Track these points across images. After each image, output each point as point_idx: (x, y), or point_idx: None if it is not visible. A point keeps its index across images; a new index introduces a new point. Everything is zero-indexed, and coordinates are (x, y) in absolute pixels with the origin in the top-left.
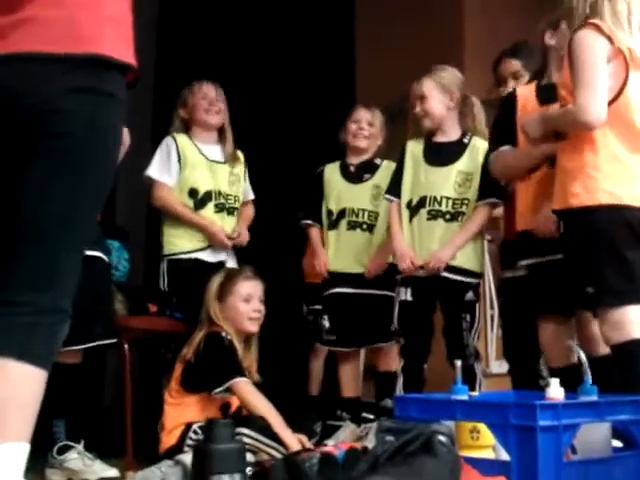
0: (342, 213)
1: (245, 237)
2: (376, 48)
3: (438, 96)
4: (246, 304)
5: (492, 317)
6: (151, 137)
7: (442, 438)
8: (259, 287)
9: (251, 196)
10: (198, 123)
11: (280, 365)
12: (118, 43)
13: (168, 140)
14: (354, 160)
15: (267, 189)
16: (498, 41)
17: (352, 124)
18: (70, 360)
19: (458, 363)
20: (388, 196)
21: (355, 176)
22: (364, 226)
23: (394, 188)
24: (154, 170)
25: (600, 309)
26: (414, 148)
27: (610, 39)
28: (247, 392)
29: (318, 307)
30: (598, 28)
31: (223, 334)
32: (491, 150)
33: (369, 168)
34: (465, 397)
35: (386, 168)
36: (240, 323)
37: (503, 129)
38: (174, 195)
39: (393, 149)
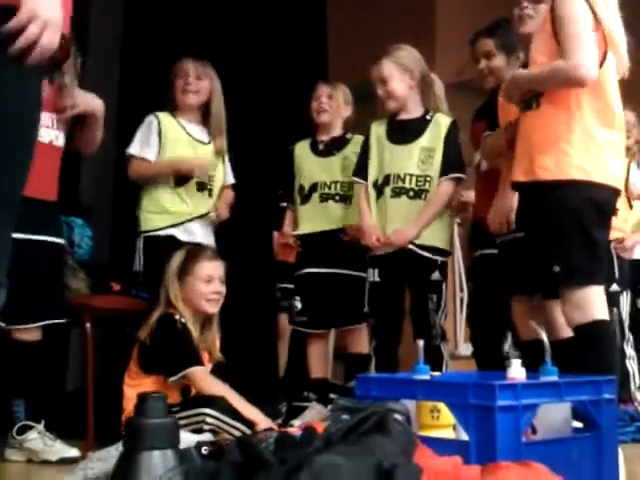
0: (314, 187)
1: (224, 213)
2: (348, 29)
3: (399, 76)
4: (206, 285)
5: (461, 300)
6: (117, 112)
7: (397, 416)
8: (220, 268)
9: (231, 180)
10: (178, 102)
11: (248, 345)
12: None
13: (150, 117)
14: (324, 137)
15: (241, 169)
16: (470, 22)
17: (314, 102)
18: (28, 337)
19: (420, 343)
20: (355, 178)
21: (324, 151)
22: (337, 197)
23: (360, 170)
24: (134, 147)
25: (565, 289)
26: (378, 129)
27: (594, 12)
28: (203, 381)
29: (288, 286)
30: None
31: (177, 317)
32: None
33: (339, 143)
34: (427, 377)
35: (356, 142)
36: (199, 304)
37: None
38: (146, 163)
39: (362, 128)
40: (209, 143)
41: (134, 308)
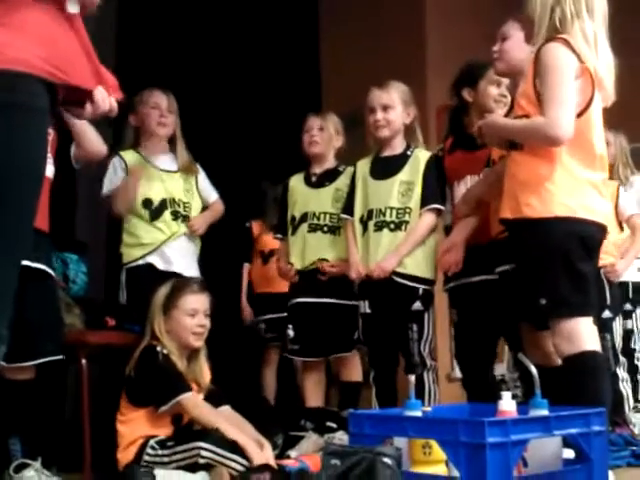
0: (303, 217)
1: (199, 226)
2: (341, 58)
3: (400, 108)
4: (191, 318)
5: (451, 321)
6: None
7: (386, 460)
8: (205, 301)
9: (215, 195)
10: (148, 133)
11: (233, 376)
12: (26, 54)
13: (114, 159)
14: (317, 169)
15: (231, 201)
16: (461, 45)
17: (305, 134)
18: (22, 376)
19: (412, 378)
20: (343, 215)
21: (317, 182)
22: (325, 228)
23: (348, 207)
24: (105, 189)
25: (553, 321)
26: (362, 167)
27: (578, 56)
28: (194, 407)
29: (272, 316)
30: (567, 44)
31: (158, 348)
32: None
33: (331, 175)
34: (418, 413)
35: (348, 174)
36: (184, 337)
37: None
38: None
39: (348, 157)
40: (177, 171)
41: (129, 343)
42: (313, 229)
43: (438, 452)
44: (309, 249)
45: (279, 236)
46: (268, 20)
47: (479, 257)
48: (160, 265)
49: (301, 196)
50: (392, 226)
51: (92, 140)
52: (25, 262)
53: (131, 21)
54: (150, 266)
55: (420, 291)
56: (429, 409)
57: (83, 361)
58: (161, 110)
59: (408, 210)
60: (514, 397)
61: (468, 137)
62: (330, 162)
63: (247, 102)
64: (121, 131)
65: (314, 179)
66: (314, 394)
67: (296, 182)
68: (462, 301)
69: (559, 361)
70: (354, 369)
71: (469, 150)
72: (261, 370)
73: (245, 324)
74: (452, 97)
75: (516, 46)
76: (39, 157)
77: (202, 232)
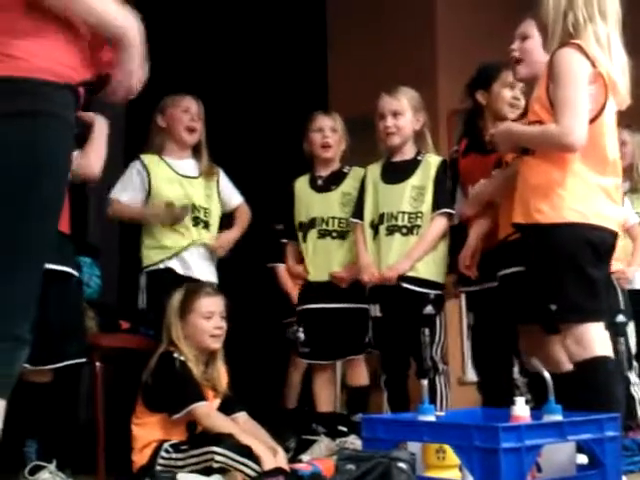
0: (312, 223)
1: (223, 249)
2: (349, 62)
3: (411, 114)
4: (207, 321)
5: (469, 325)
6: (123, 152)
7: (401, 465)
8: (220, 303)
9: (239, 199)
10: (175, 137)
11: (259, 378)
12: (53, 62)
13: (135, 162)
14: (322, 172)
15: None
16: (472, 48)
17: (316, 134)
18: (40, 379)
19: (424, 382)
20: (353, 219)
21: (323, 187)
22: (334, 234)
23: (357, 211)
24: (115, 191)
25: (564, 326)
26: (373, 171)
27: (592, 61)
28: (207, 417)
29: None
30: (581, 49)
31: (175, 355)
32: None
33: (338, 177)
34: (432, 417)
35: (354, 175)
36: (201, 340)
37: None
38: (121, 205)
39: (358, 162)
40: (199, 176)
41: (143, 346)
42: (323, 235)
43: (452, 457)
44: (321, 258)
45: (286, 240)
46: (276, 24)
47: (494, 261)
48: (180, 270)
49: (308, 200)
50: (404, 230)
51: (99, 157)
52: (49, 265)
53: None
54: (170, 270)
55: (431, 295)
56: (442, 413)
57: (97, 364)
58: (191, 115)
59: (420, 214)
60: (527, 402)
61: (482, 140)
62: (336, 164)
63: (254, 105)
64: (137, 132)
65: (320, 182)
66: (325, 398)
67: (302, 185)
68: (479, 305)
69: (564, 367)
70: (361, 373)
71: (483, 153)
72: (288, 371)
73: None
74: (466, 100)
75: (538, 46)
76: (64, 163)
77: (225, 253)
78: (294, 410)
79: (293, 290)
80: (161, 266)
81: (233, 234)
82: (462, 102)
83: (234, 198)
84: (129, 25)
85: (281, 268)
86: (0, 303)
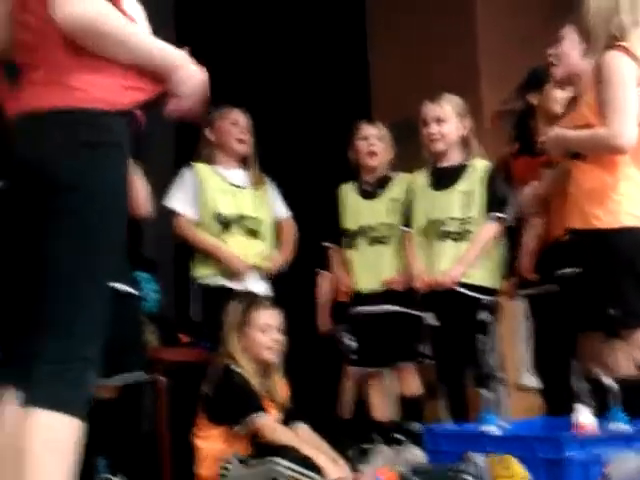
0: (361, 230)
1: (277, 263)
2: (390, 67)
3: (455, 120)
4: (264, 334)
5: (527, 329)
6: (174, 166)
7: (469, 479)
8: (277, 316)
9: (285, 213)
10: (226, 149)
11: (314, 387)
12: (112, 93)
13: (186, 170)
14: (369, 178)
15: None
16: (514, 50)
17: (362, 142)
18: (105, 395)
19: (483, 392)
20: (402, 227)
21: (370, 193)
22: (383, 240)
23: (407, 218)
24: (172, 201)
25: (624, 331)
26: (420, 178)
27: (638, 63)
28: (267, 429)
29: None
30: (628, 52)
31: (235, 368)
32: None
33: (384, 183)
34: (494, 428)
35: (400, 181)
36: (259, 353)
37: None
38: (191, 225)
39: (402, 166)
40: (249, 186)
41: (202, 359)
42: (372, 242)
43: (517, 467)
44: (371, 265)
45: (332, 245)
46: (316, 31)
47: (550, 261)
48: (233, 285)
49: (355, 207)
50: (455, 236)
51: (144, 196)
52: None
53: (186, 40)
54: (223, 285)
55: (485, 301)
56: (504, 424)
57: (160, 377)
58: (241, 127)
59: (470, 220)
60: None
61: (533, 142)
62: (382, 171)
63: (297, 113)
64: (189, 142)
65: (367, 189)
66: (379, 406)
67: (348, 192)
68: (540, 309)
69: (626, 373)
70: (414, 381)
71: (534, 155)
72: (341, 381)
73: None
74: (515, 102)
75: (572, 49)
76: (123, 191)
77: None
78: (349, 419)
79: (327, 301)
80: (215, 281)
81: (285, 255)
82: (505, 103)
83: (281, 211)
84: (174, 57)
85: (323, 277)
86: (67, 326)
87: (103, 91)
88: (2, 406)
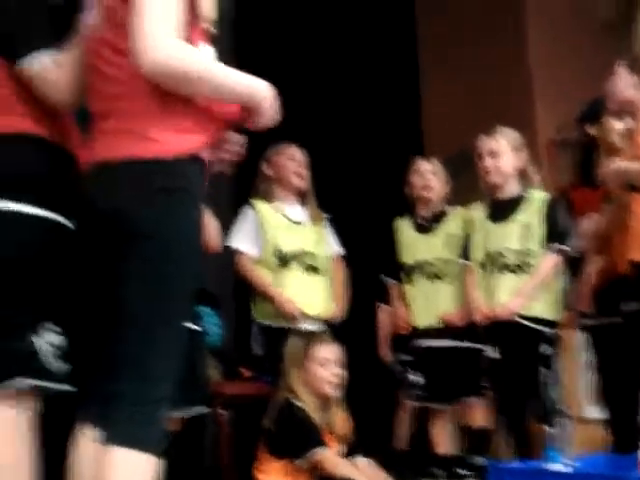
0: (418, 266)
1: (339, 312)
2: (442, 99)
3: (509, 154)
4: (324, 369)
5: (588, 360)
6: (234, 202)
7: None
8: (336, 351)
9: (338, 251)
10: (284, 184)
11: (369, 419)
12: (186, 142)
13: (247, 209)
14: (424, 212)
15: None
16: (568, 77)
17: (416, 177)
18: (171, 429)
19: (549, 429)
20: (461, 260)
21: (426, 227)
22: (440, 275)
23: (465, 251)
24: (233, 239)
25: None
26: (478, 211)
27: None
28: (328, 462)
29: (406, 358)
30: None
31: (296, 402)
32: None
33: (439, 218)
34: (559, 466)
35: (456, 215)
36: (319, 388)
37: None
38: (251, 264)
39: (457, 199)
40: (308, 222)
41: (263, 393)
42: (429, 277)
43: None
44: (429, 301)
45: (391, 280)
46: (368, 64)
47: (613, 296)
48: (290, 323)
49: (411, 242)
50: (514, 268)
51: (215, 230)
52: None
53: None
54: (282, 325)
55: (547, 333)
56: (570, 461)
57: (222, 411)
58: (298, 162)
59: (530, 252)
60: None
61: (593, 174)
62: (437, 206)
63: (347, 143)
64: (248, 179)
65: (423, 224)
66: (442, 439)
67: (403, 226)
68: (602, 341)
69: None
70: (480, 414)
71: (594, 187)
72: (395, 412)
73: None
74: (576, 132)
75: (625, 79)
76: (197, 236)
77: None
78: (407, 452)
79: (388, 333)
80: (275, 322)
81: (343, 295)
82: (560, 132)
83: (333, 247)
84: (258, 89)
85: (383, 310)
86: (143, 369)
87: (178, 139)
88: (82, 443)
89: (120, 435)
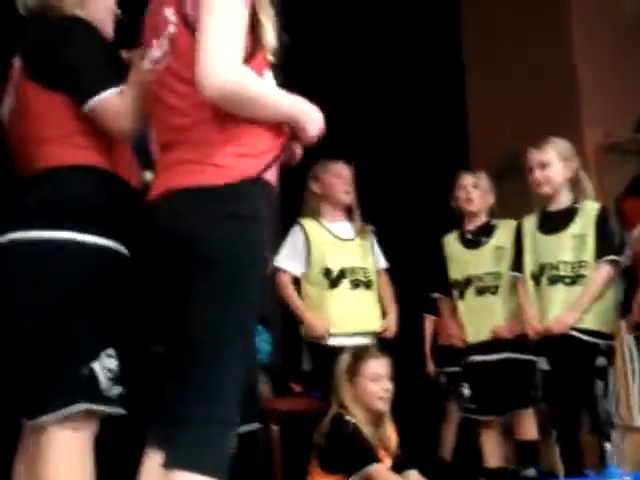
0: (468, 281)
1: (392, 329)
2: (488, 108)
3: (559, 165)
4: (375, 384)
5: (634, 370)
6: (282, 220)
7: None
8: (387, 365)
9: (384, 264)
10: (331, 201)
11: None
12: (248, 166)
13: (295, 228)
14: (470, 226)
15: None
16: (616, 82)
17: (459, 191)
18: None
19: (608, 446)
20: (513, 273)
21: (474, 242)
22: (492, 289)
23: (516, 264)
24: (279, 258)
25: None
26: (529, 222)
27: None
28: (380, 477)
29: (454, 369)
30: None
31: (347, 418)
32: None
33: (486, 231)
34: None
35: (503, 228)
36: (370, 403)
37: None
38: (289, 283)
39: (505, 207)
40: (354, 238)
41: (313, 409)
42: (480, 292)
43: None
44: (481, 315)
45: (440, 296)
46: (413, 80)
47: None
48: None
49: (460, 258)
50: (567, 280)
51: None
52: None
53: None
54: (331, 343)
55: (602, 346)
56: (628, 478)
57: (274, 427)
58: (345, 179)
59: (583, 264)
60: None
61: None
62: (482, 218)
63: (394, 154)
64: (296, 197)
65: (470, 238)
66: (492, 452)
67: (451, 242)
68: None
69: None
70: (530, 426)
71: None
72: (440, 424)
73: (429, 377)
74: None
75: None
76: (262, 260)
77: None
78: (452, 464)
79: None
80: (324, 340)
81: (394, 315)
82: (608, 136)
83: (380, 262)
84: (307, 110)
85: (429, 322)
86: (211, 392)
87: (241, 163)
88: (148, 466)
89: (183, 459)
